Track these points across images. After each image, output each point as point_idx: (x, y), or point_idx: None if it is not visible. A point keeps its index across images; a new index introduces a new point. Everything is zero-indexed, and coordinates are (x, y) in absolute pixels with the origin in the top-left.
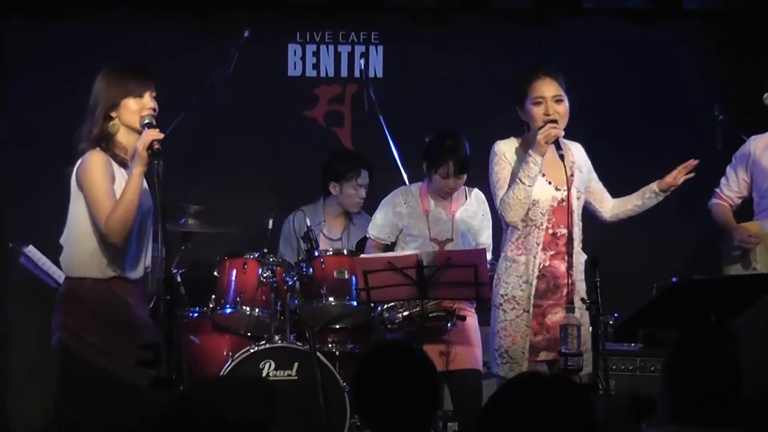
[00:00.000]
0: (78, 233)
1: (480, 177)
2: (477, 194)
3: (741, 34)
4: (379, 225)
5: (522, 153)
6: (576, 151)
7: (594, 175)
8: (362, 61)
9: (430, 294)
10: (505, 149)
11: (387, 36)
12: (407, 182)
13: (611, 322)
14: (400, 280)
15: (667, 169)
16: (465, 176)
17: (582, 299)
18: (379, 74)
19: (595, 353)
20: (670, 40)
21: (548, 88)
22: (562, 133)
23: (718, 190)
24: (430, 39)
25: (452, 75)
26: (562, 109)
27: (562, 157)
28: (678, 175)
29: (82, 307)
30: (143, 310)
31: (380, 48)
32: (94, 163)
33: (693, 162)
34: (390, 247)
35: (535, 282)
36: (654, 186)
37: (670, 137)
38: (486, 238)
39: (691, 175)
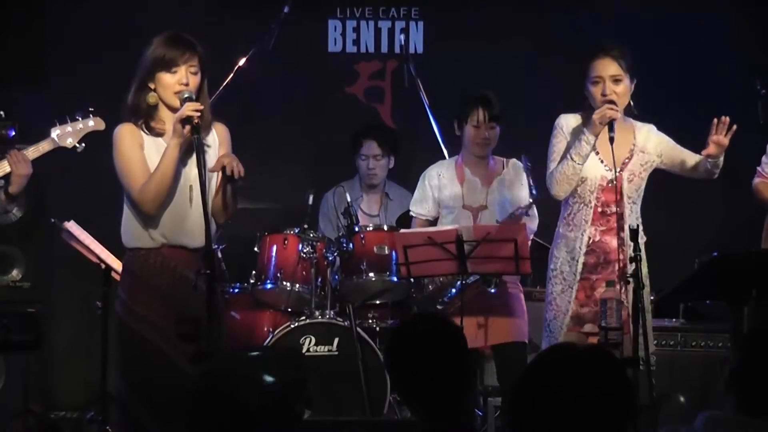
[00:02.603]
0: (126, 206)
1: (521, 147)
2: (515, 164)
3: None
4: (418, 201)
5: (580, 129)
6: (641, 134)
7: (667, 149)
8: (402, 37)
9: (470, 268)
10: (566, 123)
11: (427, 11)
12: (447, 157)
13: (652, 298)
14: (440, 254)
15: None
16: (497, 128)
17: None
18: (420, 50)
19: (636, 328)
20: (710, 13)
21: (606, 68)
22: (618, 114)
23: (759, 168)
24: (470, 14)
25: (493, 49)
26: (621, 89)
27: (612, 140)
28: (716, 139)
29: (134, 278)
30: (202, 281)
31: (420, 23)
32: (118, 137)
33: (725, 119)
34: (434, 222)
35: (582, 258)
36: (703, 157)
37: (712, 112)
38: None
39: (732, 129)
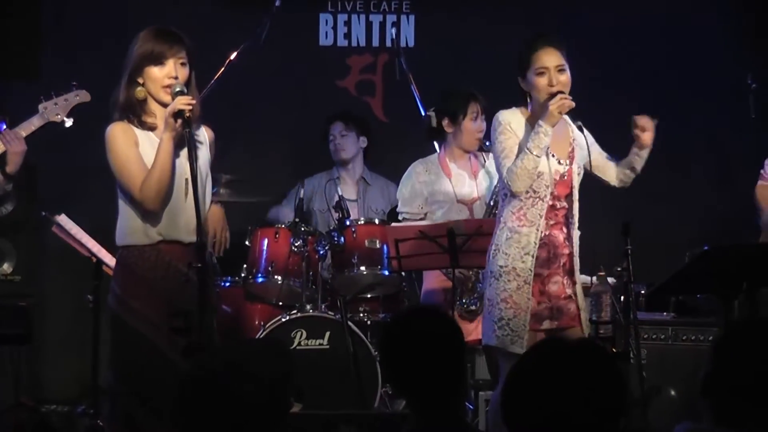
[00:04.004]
0: (120, 204)
1: None
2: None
3: None
4: (407, 199)
5: (527, 124)
6: (574, 127)
7: (595, 148)
8: (394, 30)
9: (461, 262)
10: (510, 119)
11: (418, 4)
12: (438, 150)
13: (643, 291)
14: (432, 248)
15: (699, 138)
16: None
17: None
18: (411, 43)
19: (626, 322)
20: (702, 8)
21: (551, 58)
22: (573, 104)
23: (762, 171)
24: (461, 7)
25: (484, 43)
26: (565, 79)
27: (580, 128)
28: (639, 135)
29: (129, 273)
30: (195, 275)
31: (411, 17)
32: (111, 137)
33: (643, 119)
34: (424, 220)
35: (535, 253)
36: (635, 147)
37: (704, 106)
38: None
39: (655, 121)
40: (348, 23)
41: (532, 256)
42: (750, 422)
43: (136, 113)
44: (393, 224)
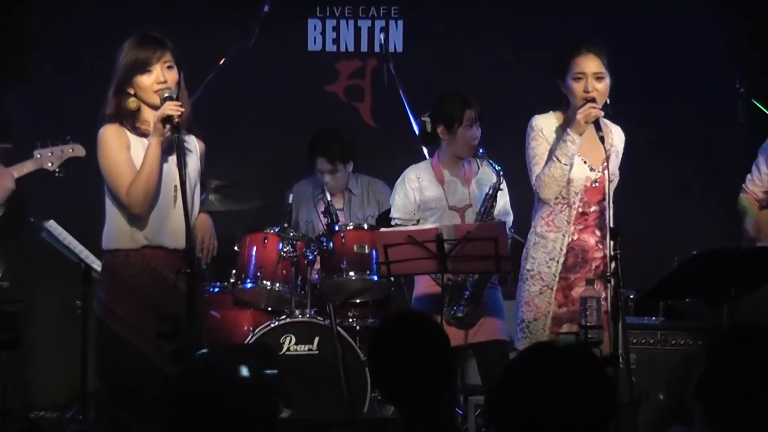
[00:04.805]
0: (107, 207)
1: (502, 146)
2: (488, 163)
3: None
4: (400, 206)
5: (560, 129)
6: (615, 134)
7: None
8: (382, 36)
9: (450, 268)
10: (543, 124)
11: (406, 10)
12: (428, 156)
13: (632, 296)
14: (421, 253)
15: (688, 142)
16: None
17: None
18: (399, 48)
19: (616, 326)
20: (692, 12)
21: (590, 65)
22: (602, 113)
23: (744, 185)
24: (449, 13)
25: (472, 49)
26: (602, 87)
27: (602, 138)
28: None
29: (114, 279)
30: (182, 280)
31: (400, 22)
32: (103, 138)
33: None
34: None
35: (562, 259)
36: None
37: (692, 111)
38: (504, 206)
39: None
40: (337, 28)
41: (558, 262)
42: (742, 424)
43: (128, 120)
44: (382, 229)
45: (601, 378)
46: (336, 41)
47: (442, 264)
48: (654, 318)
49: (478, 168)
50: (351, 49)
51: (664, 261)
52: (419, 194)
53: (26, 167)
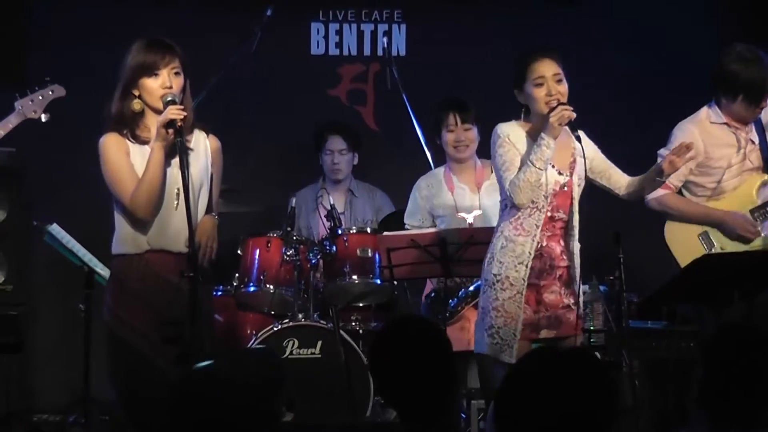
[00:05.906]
0: (114, 213)
1: None
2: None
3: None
4: (411, 212)
5: (525, 136)
6: (582, 138)
7: (598, 155)
8: (385, 40)
9: (453, 272)
10: (509, 131)
11: (410, 14)
12: (431, 160)
13: (635, 300)
14: (424, 257)
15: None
16: (474, 130)
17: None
18: (402, 52)
19: (619, 330)
20: (687, 14)
21: (548, 68)
22: (574, 115)
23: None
24: (453, 16)
25: (475, 53)
26: (563, 89)
27: (578, 139)
28: (672, 159)
29: (120, 284)
30: (185, 284)
31: (403, 26)
32: (104, 147)
33: (690, 144)
34: None
35: (530, 263)
36: (654, 173)
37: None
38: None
39: (691, 154)
40: (339, 32)
41: (526, 266)
42: (745, 426)
43: (129, 127)
44: (385, 233)
45: (603, 382)
46: (339, 45)
47: (445, 268)
48: (657, 322)
49: (491, 171)
50: (354, 53)
51: (667, 265)
52: (427, 202)
53: (11, 122)
